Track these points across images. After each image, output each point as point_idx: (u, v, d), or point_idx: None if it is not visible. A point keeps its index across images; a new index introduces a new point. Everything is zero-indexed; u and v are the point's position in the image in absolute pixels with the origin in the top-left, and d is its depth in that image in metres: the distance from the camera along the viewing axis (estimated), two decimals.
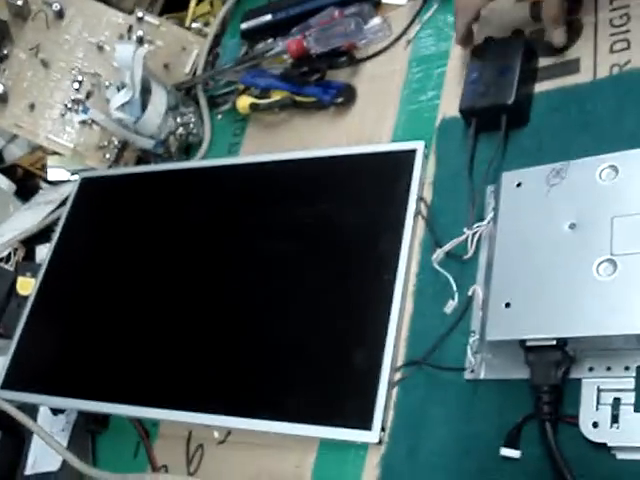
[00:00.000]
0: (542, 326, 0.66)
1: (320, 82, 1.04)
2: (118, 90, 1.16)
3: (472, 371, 0.73)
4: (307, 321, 0.86)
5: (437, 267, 0.78)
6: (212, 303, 0.94)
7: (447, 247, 0.78)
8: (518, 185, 0.74)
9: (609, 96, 0.79)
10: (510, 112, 0.81)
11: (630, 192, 0.67)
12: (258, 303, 0.90)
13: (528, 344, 0.66)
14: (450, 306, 0.77)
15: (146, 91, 1.15)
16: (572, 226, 0.69)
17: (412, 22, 1.03)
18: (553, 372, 0.65)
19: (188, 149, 1.19)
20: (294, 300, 0.88)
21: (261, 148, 1.08)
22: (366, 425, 0.76)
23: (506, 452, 0.67)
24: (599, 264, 0.65)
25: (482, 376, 0.72)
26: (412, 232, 0.85)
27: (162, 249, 1.05)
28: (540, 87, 0.85)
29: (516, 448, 0.67)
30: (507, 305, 0.68)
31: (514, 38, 0.85)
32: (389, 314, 0.80)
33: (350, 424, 0.77)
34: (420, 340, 0.79)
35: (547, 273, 0.68)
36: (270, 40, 1.13)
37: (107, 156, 1.24)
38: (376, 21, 1.04)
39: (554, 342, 0.65)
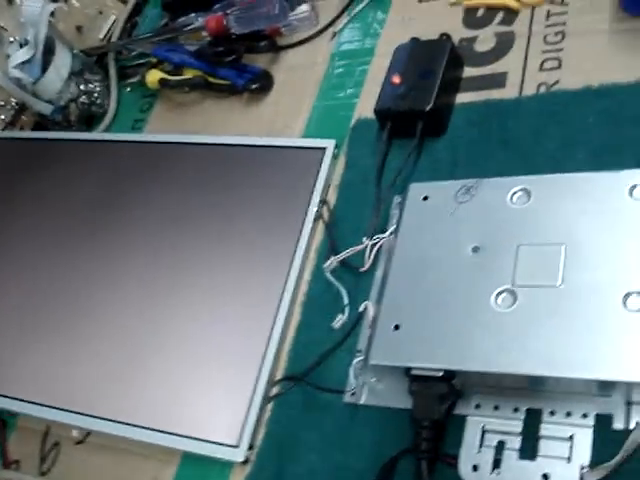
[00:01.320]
0: (430, 355, 0.60)
1: (236, 65, 0.97)
2: (21, 47, 1.05)
3: (353, 394, 0.66)
4: (184, 319, 0.79)
5: (329, 277, 0.72)
6: (87, 291, 0.86)
7: (342, 256, 0.71)
8: (425, 199, 0.69)
9: (532, 115, 0.74)
10: (427, 119, 0.75)
11: (540, 219, 0.62)
12: (134, 296, 0.82)
13: (413, 372, 0.60)
14: (339, 321, 0.71)
15: (50, 52, 1.05)
16: (476, 249, 0.63)
17: (341, 14, 0.97)
18: (436, 406, 0.60)
19: (90, 120, 1.09)
20: (172, 293, 0.81)
21: (167, 127, 1.00)
22: (233, 442, 0.69)
23: None
24: (498, 294, 0.60)
25: (362, 401, 0.66)
26: (310, 236, 0.78)
27: (46, 219, 0.96)
28: (462, 97, 0.79)
29: None
30: (396, 327, 0.63)
31: (441, 41, 0.79)
32: (274, 322, 0.74)
33: (215, 439, 0.70)
34: (304, 354, 0.72)
35: (443, 298, 0.62)
36: (192, 15, 1.04)
37: (2, 117, 1.13)
38: (303, 8, 0.98)
39: (441, 374, 0.59)
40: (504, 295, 0.59)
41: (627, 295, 0.56)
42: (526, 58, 0.78)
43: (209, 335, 0.76)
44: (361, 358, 0.66)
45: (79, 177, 0.98)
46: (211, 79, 0.98)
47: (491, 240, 0.63)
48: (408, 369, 0.60)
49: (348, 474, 0.64)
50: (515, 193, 0.65)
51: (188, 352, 0.76)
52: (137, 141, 0.99)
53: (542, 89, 0.75)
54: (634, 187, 0.60)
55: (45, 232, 0.94)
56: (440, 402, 0.59)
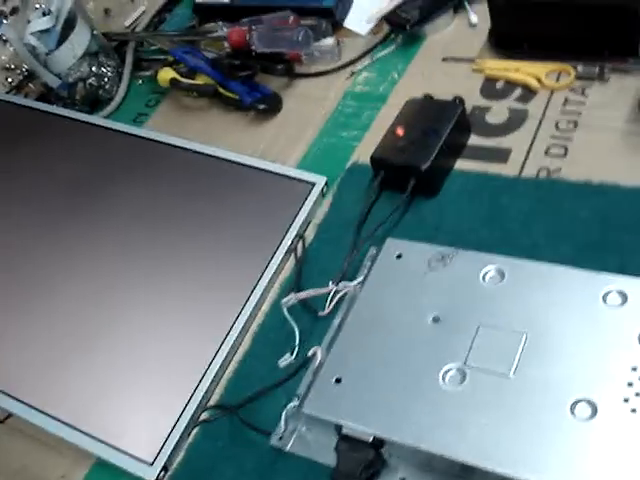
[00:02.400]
0: (363, 417, 0.57)
1: (248, 82, 0.95)
2: (43, 15, 1.04)
3: (280, 439, 0.64)
4: (134, 321, 0.76)
5: (286, 313, 0.69)
6: (46, 271, 0.84)
7: (303, 295, 0.69)
8: (399, 256, 0.67)
9: (526, 198, 0.72)
10: (420, 178, 0.73)
11: (507, 303, 0.60)
12: (92, 287, 0.80)
13: (344, 431, 0.58)
14: (285, 360, 0.69)
15: (70, 27, 1.04)
16: (436, 319, 0.61)
17: (363, 56, 0.95)
18: (359, 471, 0.57)
19: (94, 103, 1.08)
20: (129, 292, 0.78)
21: (167, 127, 0.98)
22: (148, 459, 0.66)
23: None
24: (447, 370, 0.57)
25: (288, 448, 0.63)
26: (278, 267, 0.76)
27: (25, 191, 0.95)
28: (462, 164, 0.78)
29: None
30: (338, 381, 0.60)
31: (453, 104, 0.78)
32: (220, 347, 0.71)
33: (132, 451, 0.67)
34: (242, 385, 0.70)
35: (392, 361, 0.60)
36: (219, 23, 1.03)
37: (9, 80, 1.12)
38: (328, 41, 0.97)
39: (370, 439, 0.56)
40: (453, 373, 0.57)
41: (577, 402, 0.53)
42: (534, 139, 0.76)
43: (153, 346, 0.74)
44: (296, 404, 0.63)
45: (68, 156, 0.96)
46: (221, 90, 0.96)
47: (453, 314, 0.61)
48: (339, 426, 0.58)
49: None
50: (489, 271, 0.62)
51: (128, 357, 0.74)
52: (134, 134, 0.97)
53: (542, 174, 0.73)
54: (608, 293, 0.58)
55: (19, 204, 0.92)
56: (364, 467, 0.57)
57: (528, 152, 0.76)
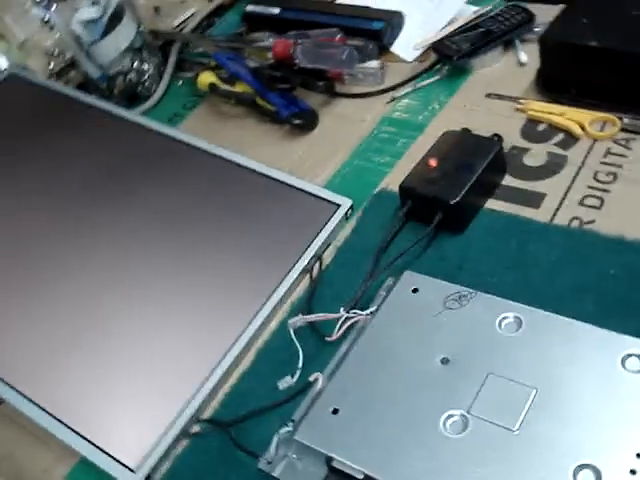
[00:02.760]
0: (356, 452, 0.55)
1: (287, 95, 0.93)
2: (92, 5, 1.04)
3: (269, 463, 0.61)
4: (138, 321, 0.75)
5: (291, 334, 0.67)
6: (56, 260, 0.83)
7: (312, 318, 0.67)
8: (415, 291, 0.64)
9: (555, 247, 0.70)
10: (448, 213, 0.71)
11: (521, 354, 0.57)
12: (99, 281, 0.79)
13: (334, 464, 0.55)
14: (285, 382, 0.66)
15: (117, 20, 1.03)
16: (445, 361, 0.59)
17: (406, 82, 0.93)
18: None
19: (132, 98, 1.07)
20: (137, 291, 0.77)
21: (200, 131, 0.97)
22: (132, 465, 0.64)
23: None
24: (450, 416, 0.55)
25: (276, 473, 0.61)
26: (292, 286, 0.74)
27: (45, 177, 0.94)
28: (492, 204, 0.75)
29: None
30: (335, 411, 0.58)
31: (491, 141, 0.75)
32: (221, 359, 0.69)
33: (116, 454, 0.65)
34: (239, 402, 0.68)
35: (393, 398, 0.57)
36: (265, 33, 1.02)
37: (51, 65, 1.12)
38: (373, 64, 0.95)
39: (361, 476, 0.54)
40: (455, 419, 0.55)
41: (581, 466, 0.51)
42: (570, 187, 0.74)
43: (154, 348, 0.72)
44: (290, 429, 0.61)
45: (98, 147, 0.95)
46: (259, 100, 0.95)
47: (464, 358, 0.58)
48: (330, 458, 0.55)
49: None
50: (506, 318, 0.60)
51: (128, 358, 0.72)
52: (167, 134, 0.96)
53: (574, 224, 0.71)
54: (628, 357, 0.55)
55: (40, 189, 0.91)
56: None
57: (562, 200, 0.73)
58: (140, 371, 0.71)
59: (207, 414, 0.68)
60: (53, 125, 1.02)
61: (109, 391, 0.70)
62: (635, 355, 0.55)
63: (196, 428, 0.67)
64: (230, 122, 0.98)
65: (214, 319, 0.73)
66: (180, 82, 1.09)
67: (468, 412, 0.55)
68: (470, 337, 0.59)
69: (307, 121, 0.92)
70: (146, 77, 1.07)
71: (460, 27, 0.92)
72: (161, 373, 0.70)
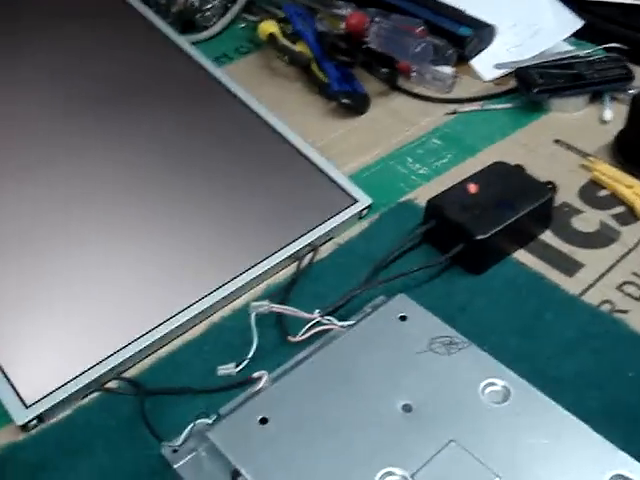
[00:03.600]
0: (270, 478, 0.45)
1: (345, 70, 0.84)
2: None
3: (174, 451, 0.52)
4: (95, 255, 0.66)
5: (251, 320, 0.58)
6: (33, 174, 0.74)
7: (277, 308, 0.58)
8: (403, 318, 0.55)
9: (575, 326, 0.60)
10: (470, 248, 0.61)
11: (495, 432, 0.47)
12: (78, 199, 0.71)
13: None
14: (225, 369, 0.58)
15: None
16: (407, 409, 0.49)
17: (475, 100, 0.84)
18: None
19: (186, 24, 0.98)
20: (105, 223, 0.69)
21: (244, 79, 0.88)
22: (27, 399, 0.56)
23: None
24: (389, 474, 0.45)
25: (176, 465, 0.52)
26: (273, 268, 0.65)
27: (70, 78, 0.85)
28: (522, 255, 0.66)
29: None
30: (263, 421, 0.48)
31: (544, 188, 0.66)
32: (166, 320, 0.60)
33: (18, 387, 0.57)
34: (171, 372, 0.59)
35: (333, 431, 0.48)
36: (345, 2, 0.93)
37: None
38: (446, 70, 0.86)
39: None
40: (393, 479, 0.45)
41: None
42: (612, 267, 0.64)
43: (103, 287, 0.64)
44: (209, 422, 0.51)
45: (133, 61, 0.88)
46: (314, 67, 0.87)
47: (430, 412, 0.49)
48: (237, 473, 0.46)
49: None
50: (493, 385, 0.50)
51: (70, 287, 0.64)
52: (207, 69, 0.88)
53: (605, 307, 0.61)
54: (618, 478, 0.45)
55: (41, 84, 0.83)
56: None
57: (600, 277, 0.64)
58: (77, 307, 0.62)
59: (130, 374, 0.59)
60: (97, 24, 0.93)
61: (39, 317, 0.61)
62: (624, 477, 0.45)
63: (113, 384, 0.58)
64: (277, 80, 0.90)
65: (175, 277, 0.64)
66: (242, 25, 1.01)
67: (412, 477, 0.45)
68: (445, 392, 0.50)
69: (356, 104, 0.83)
70: (209, 7, 0.98)
71: (551, 61, 0.83)
72: (97, 315, 0.61)
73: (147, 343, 0.59)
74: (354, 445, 0.47)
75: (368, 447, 0.47)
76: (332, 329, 0.58)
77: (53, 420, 0.56)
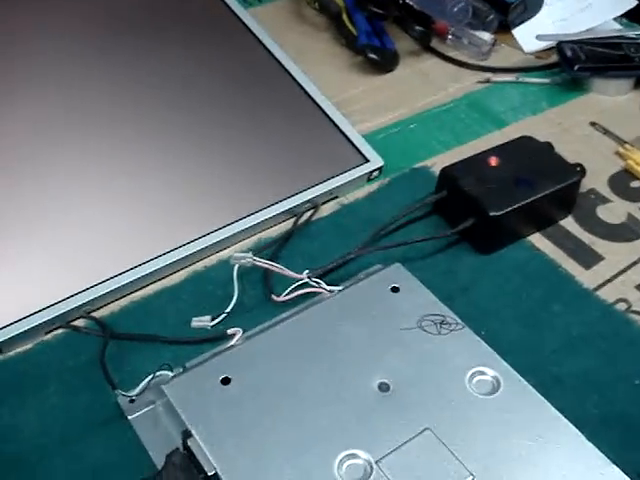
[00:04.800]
0: (222, 444, 0.41)
1: (376, 24, 0.79)
2: None
3: (131, 401, 0.48)
4: (90, 188, 0.62)
5: (234, 272, 0.53)
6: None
7: (260, 263, 0.54)
8: (395, 289, 0.50)
9: (585, 323, 0.56)
10: (481, 224, 0.56)
11: (477, 424, 0.43)
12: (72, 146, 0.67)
13: (189, 443, 0.42)
14: (200, 322, 0.53)
15: None
16: (384, 388, 0.45)
17: (512, 71, 0.78)
18: None
19: None
20: (101, 158, 0.65)
21: (269, 24, 0.83)
22: None
23: None
24: (351, 456, 0.41)
25: (131, 417, 0.48)
26: (267, 220, 0.61)
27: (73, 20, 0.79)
28: (537, 240, 0.61)
29: None
30: (225, 381, 0.44)
31: (572, 170, 0.61)
32: (143, 264, 0.56)
33: None
34: (142, 317, 0.56)
35: (299, 400, 0.44)
36: None
37: None
38: (485, 35, 0.80)
39: (212, 472, 0.40)
40: (356, 463, 0.41)
41: None
42: (634, 264, 0.59)
43: (89, 222, 0.60)
44: (172, 375, 0.47)
45: None
46: (344, 17, 0.81)
47: (408, 395, 0.44)
48: (188, 433, 0.42)
49: None
50: (483, 373, 0.45)
51: (54, 219, 0.59)
52: (234, 12, 0.83)
53: (620, 306, 0.56)
54: None
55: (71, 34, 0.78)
56: None
57: (619, 273, 0.58)
58: (52, 237, 0.58)
59: (100, 314, 0.55)
60: None
61: (10, 247, 0.57)
62: None
63: (80, 323, 0.54)
64: (304, 28, 0.85)
65: (160, 219, 0.60)
66: None
67: (376, 462, 0.40)
68: (428, 374, 0.45)
69: (384, 60, 0.77)
70: None
71: (598, 39, 0.77)
72: (72, 248, 0.58)
73: (121, 284, 0.55)
74: (319, 420, 0.42)
75: (334, 424, 0.42)
76: (319, 293, 0.53)
77: (10, 353, 0.53)
